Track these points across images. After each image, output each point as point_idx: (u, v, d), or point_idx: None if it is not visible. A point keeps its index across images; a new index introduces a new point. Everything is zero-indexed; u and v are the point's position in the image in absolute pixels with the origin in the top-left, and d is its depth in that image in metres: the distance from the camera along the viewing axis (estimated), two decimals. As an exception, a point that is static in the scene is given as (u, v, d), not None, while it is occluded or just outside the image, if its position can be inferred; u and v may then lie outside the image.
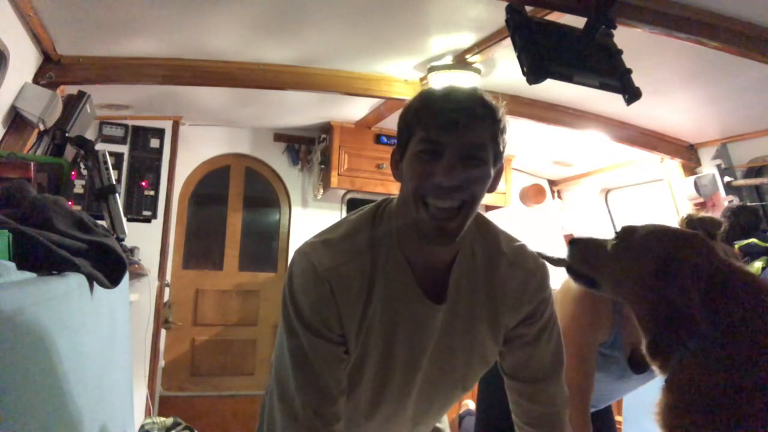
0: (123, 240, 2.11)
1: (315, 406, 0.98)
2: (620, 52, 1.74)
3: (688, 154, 3.09)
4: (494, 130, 0.93)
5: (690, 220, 1.29)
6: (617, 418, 2.28)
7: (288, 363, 1.00)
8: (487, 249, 1.06)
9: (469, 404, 3.20)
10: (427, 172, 0.91)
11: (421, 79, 2.69)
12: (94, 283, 1.13)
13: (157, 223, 3.47)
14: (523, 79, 1.65)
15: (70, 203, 1.24)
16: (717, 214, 2.67)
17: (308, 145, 4.04)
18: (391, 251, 1.00)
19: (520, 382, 1.13)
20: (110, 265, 1.17)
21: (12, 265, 0.83)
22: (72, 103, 2.27)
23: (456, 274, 1.03)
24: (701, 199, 3.00)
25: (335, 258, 0.98)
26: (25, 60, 2.09)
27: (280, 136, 4.03)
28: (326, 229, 1.06)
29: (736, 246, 2.40)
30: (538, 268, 1.09)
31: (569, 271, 1.19)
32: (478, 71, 2.49)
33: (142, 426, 2.92)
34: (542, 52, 1.64)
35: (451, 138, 0.90)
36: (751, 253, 2.35)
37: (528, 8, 1.74)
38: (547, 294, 1.11)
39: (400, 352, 1.04)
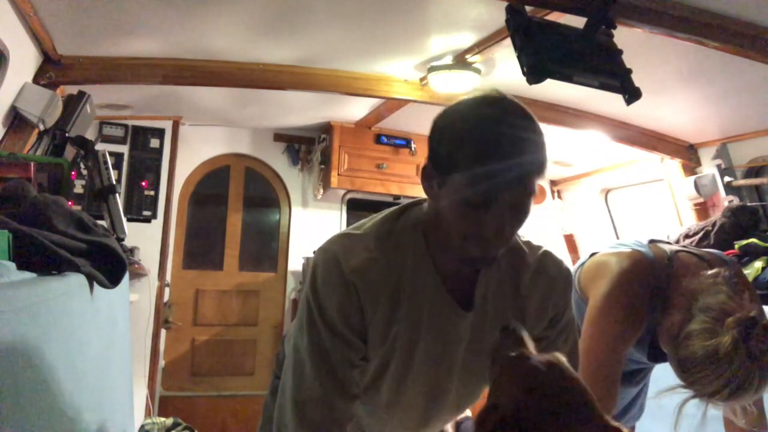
0: (123, 240, 2.11)
1: (330, 398, 0.98)
2: (620, 52, 1.74)
3: (688, 154, 3.08)
4: (545, 166, 0.86)
5: None
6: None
7: (306, 357, 1.00)
8: (512, 258, 1.05)
9: (467, 412, 3.22)
10: (475, 224, 0.86)
11: (421, 79, 2.69)
12: (94, 283, 1.13)
13: (157, 223, 3.47)
14: (523, 79, 1.65)
15: (70, 203, 1.24)
16: (717, 214, 2.67)
17: (308, 145, 4.04)
18: (418, 257, 0.99)
19: None
20: (110, 265, 1.17)
21: (12, 265, 0.83)
22: (72, 103, 2.26)
23: (482, 282, 1.02)
24: (701, 199, 3.00)
25: (362, 260, 0.97)
26: (25, 60, 2.09)
27: (280, 136, 4.03)
28: (351, 228, 1.05)
29: (736, 246, 2.40)
30: (560, 275, 1.09)
31: None
32: (478, 71, 2.49)
33: (142, 426, 2.92)
34: (542, 52, 1.64)
35: (508, 191, 0.83)
36: (751, 253, 2.35)
37: (528, 8, 1.74)
38: (569, 298, 1.11)
39: (422, 358, 1.03)
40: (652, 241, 1.51)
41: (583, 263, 1.59)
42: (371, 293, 0.97)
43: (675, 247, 1.48)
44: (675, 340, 1.24)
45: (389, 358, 1.03)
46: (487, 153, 0.82)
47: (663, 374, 1.39)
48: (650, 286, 1.37)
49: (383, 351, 1.02)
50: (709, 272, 1.29)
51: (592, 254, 1.58)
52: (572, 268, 1.25)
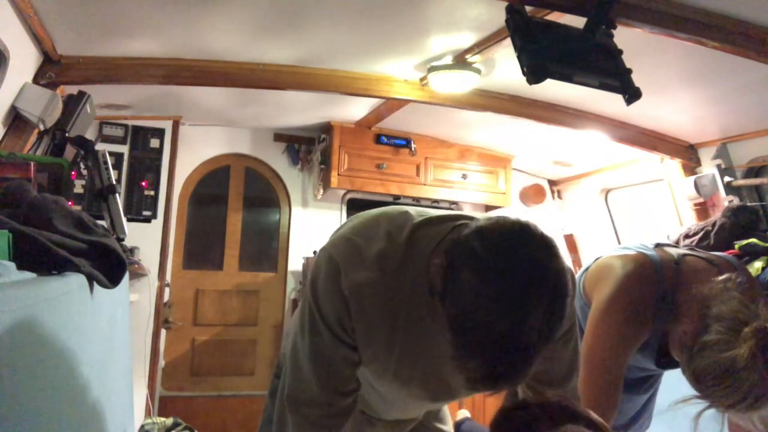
0: (123, 240, 2.11)
1: (327, 395, 1.00)
2: (620, 52, 1.74)
3: (688, 154, 3.08)
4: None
5: None
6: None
7: (305, 357, 1.01)
8: None
9: (465, 413, 3.23)
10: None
11: (421, 79, 2.69)
12: (94, 283, 1.13)
13: (157, 223, 3.47)
14: (523, 79, 1.65)
15: (70, 203, 1.23)
16: (717, 214, 2.67)
17: (308, 145, 4.04)
18: (418, 286, 0.96)
19: (533, 388, 1.14)
20: (110, 265, 1.17)
21: (12, 265, 0.83)
22: (72, 103, 2.26)
23: None
24: (701, 199, 3.00)
25: (361, 278, 0.95)
26: (25, 60, 2.09)
27: (280, 136, 4.03)
28: (360, 231, 1.01)
29: (737, 246, 2.40)
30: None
31: None
32: (478, 71, 2.49)
33: (142, 426, 2.92)
34: (542, 52, 1.64)
35: (484, 386, 0.81)
36: (751, 253, 2.35)
37: (528, 8, 1.74)
38: (572, 306, 1.09)
39: (419, 380, 1.05)
40: (658, 245, 1.48)
41: (588, 268, 1.56)
42: (361, 311, 0.97)
43: (682, 251, 1.45)
44: (689, 351, 1.19)
45: (381, 376, 1.05)
46: (485, 366, 0.77)
47: (676, 382, 1.34)
48: (656, 290, 1.34)
49: (374, 367, 1.04)
50: (720, 278, 1.24)
51: (597, 258, 1.56)
52: (576, 273, 1.24)
